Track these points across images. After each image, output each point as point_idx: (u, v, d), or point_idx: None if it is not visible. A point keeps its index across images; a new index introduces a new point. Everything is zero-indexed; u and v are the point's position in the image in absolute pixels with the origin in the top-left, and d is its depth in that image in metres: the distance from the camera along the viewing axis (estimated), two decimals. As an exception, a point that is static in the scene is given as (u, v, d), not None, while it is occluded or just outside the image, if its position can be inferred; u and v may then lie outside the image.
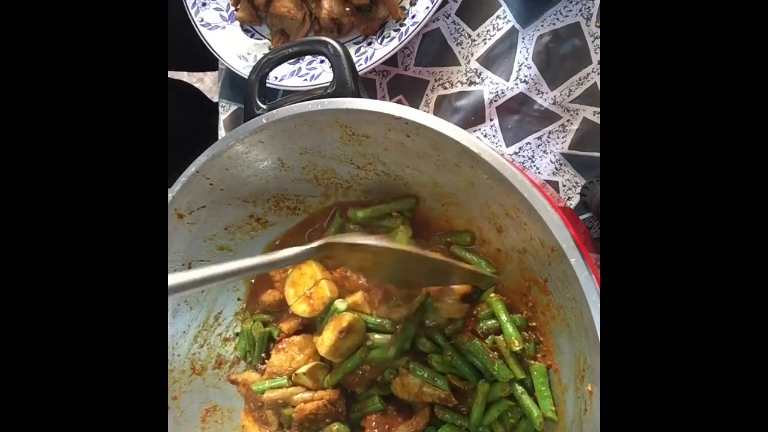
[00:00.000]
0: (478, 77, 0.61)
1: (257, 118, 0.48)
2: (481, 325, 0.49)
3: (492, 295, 0.49)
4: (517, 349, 0.46)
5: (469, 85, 0.61)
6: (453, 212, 0.51)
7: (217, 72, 0.80)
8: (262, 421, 0.58)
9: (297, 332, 0.58)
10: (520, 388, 0.46)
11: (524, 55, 0.58)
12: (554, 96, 0.57)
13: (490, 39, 0.60)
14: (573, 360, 0.42)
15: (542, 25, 0.58)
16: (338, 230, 0.58)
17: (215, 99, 0.84)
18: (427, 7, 0.59)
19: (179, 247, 0.56)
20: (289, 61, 0.62)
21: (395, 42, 0.60)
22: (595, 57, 0.55)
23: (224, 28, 0.71)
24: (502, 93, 0.60)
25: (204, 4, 0.72)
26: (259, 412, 0.58)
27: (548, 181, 0.58)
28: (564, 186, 0.58)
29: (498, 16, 0.60)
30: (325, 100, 0.45)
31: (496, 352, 0.47)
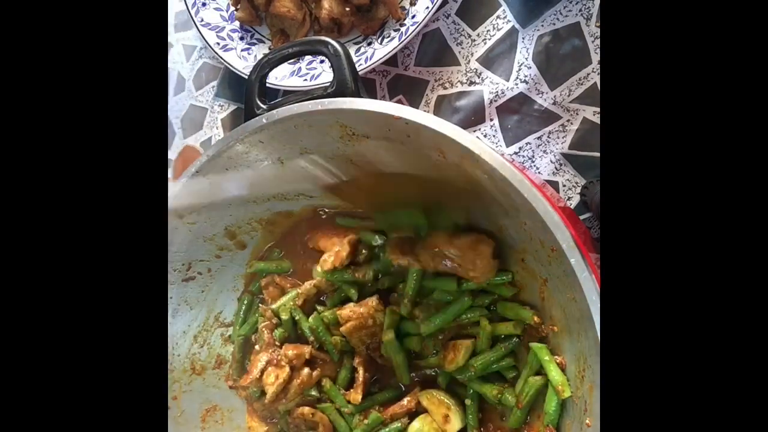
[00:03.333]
0: (478, 77, 0.61)
1: (257, 118, 0.48)
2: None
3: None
4: (566, 396, 0.43)
5: (469, 85, 0.61)
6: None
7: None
8: (269, 418, 0.59)
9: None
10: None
11: (524, 55, 0.58)
12: (554, 96, 0.57)
13: (490, 39, 0.60)
14: (573, 360, 0.42)
15: (542, 25, 0.58)
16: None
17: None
18: (427, 7, 0.59)
19: (179, 247, 0.56)
20: (289, 61, 0.62)
21: (395, 42, 0.60)
22: (595, 57, 0.55)
23: (224, 28, 0.71)
24: (502, 93, 0.60)
25: (204, 4, 0.72)
26: (262, 411, 0.58)
27: (548, 181, 0.58)
28: (564, 186, 0.58)
29: (498, 16, 0.60)
30: (325, 100, 0.45)
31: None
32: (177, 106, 0.82)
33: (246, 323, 0.60)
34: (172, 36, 0.83)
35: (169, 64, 0.84)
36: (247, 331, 0.60)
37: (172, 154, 0.82)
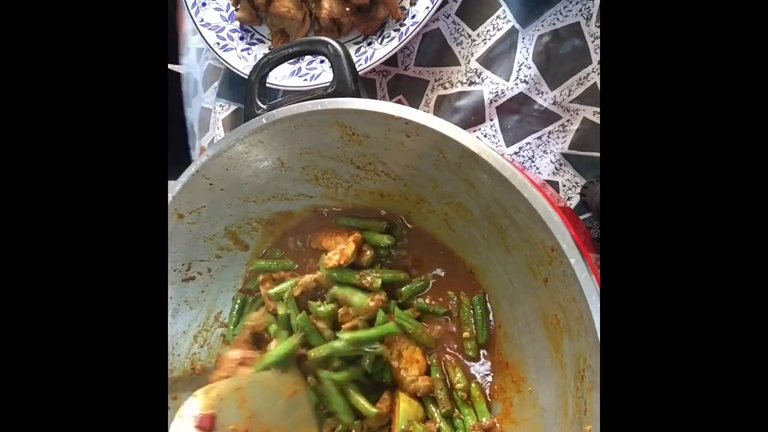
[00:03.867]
0: (478, 77, 0.61)
1: (257, 118, 0.48)
2: None
3: None
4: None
5: (469, 85, 0.61)
6: (452, 213, 0.51)
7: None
8: None
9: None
10: None
11: (524, 55, 0.58)
12: (554, 96, 0.57)
13: (490, 39, 0.60)
14: (573, 360, 0.42)
15: (542, 25, 0.58)
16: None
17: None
18: (427, 7, 0.59)
19: (179, 247, 0.56)
20: (289, 61, 0.62)
21: (395, 42, 0.60)
22: (595, 57, 0.55)
23: (224, 28, 0.71)
24: (502, 93, 0.60)
25: (204, 4, 0.72)
26: None
27: (548, 181, 0.58)
28: (564, 186, 0.58)
29: (498, 16, 0.60)
30: (325, 100, 0.45)
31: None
32: (195, 108, 0.83)
33: (240, 322, 0.60)
34: (190, 41, 0.83)
35: (187, 68, 0.84)
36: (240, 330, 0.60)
37: (195, 156, 0.83)
